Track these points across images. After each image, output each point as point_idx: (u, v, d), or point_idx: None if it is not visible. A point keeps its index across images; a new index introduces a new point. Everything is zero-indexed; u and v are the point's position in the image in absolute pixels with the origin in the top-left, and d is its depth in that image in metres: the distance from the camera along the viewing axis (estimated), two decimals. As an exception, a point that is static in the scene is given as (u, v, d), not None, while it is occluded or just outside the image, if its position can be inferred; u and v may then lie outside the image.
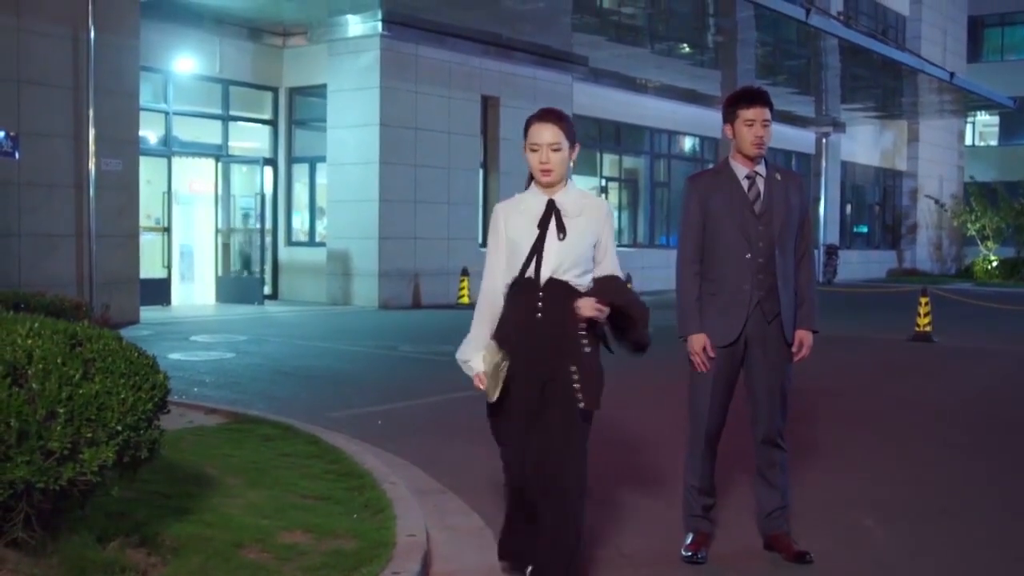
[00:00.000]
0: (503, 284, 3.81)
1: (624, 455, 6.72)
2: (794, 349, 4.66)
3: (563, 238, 3.72)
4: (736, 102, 4.60)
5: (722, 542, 4.85)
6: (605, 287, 3.75)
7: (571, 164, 3.84)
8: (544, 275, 3.71)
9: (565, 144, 3.76)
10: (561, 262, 3.71)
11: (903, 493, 6.01)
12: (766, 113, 4.55)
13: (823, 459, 6.65)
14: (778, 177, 4.66)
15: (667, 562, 4.62)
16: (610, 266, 3.86)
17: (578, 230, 3.74)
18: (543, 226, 3.74)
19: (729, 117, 4.60)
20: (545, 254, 3.71)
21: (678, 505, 4.88)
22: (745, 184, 4.61)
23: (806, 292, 4.69)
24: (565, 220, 3.74)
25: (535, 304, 3.72)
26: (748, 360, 4.64)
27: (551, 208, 3.76)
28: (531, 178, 3.83)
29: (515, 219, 3.81)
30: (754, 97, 4.58)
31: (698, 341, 4.58)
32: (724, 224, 4.59)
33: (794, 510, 4.93)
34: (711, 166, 5.03)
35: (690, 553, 4.61)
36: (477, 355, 3.81)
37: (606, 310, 3.68)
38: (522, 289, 3.75)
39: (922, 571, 4.68)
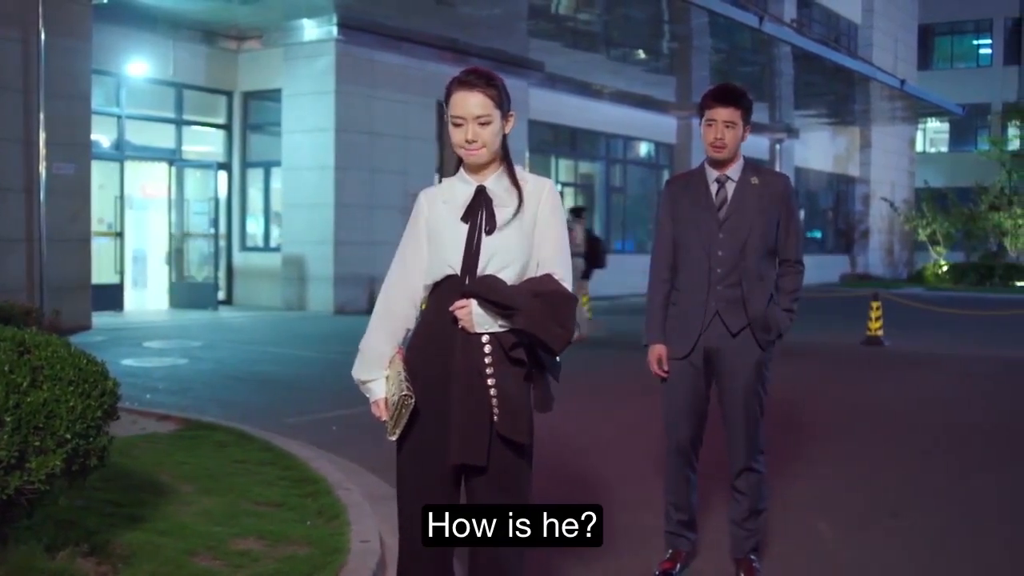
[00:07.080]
0: (421, 285, 3.12)
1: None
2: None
3: (490, 232, 3.03)
4: (703, 100, 4.29)
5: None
6: (484, 281, 3.00)
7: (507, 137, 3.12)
8: (468, 277, 3.03)
9: (496, 114, 3.04)
10: (488, 261, 3.01)
11: (854, 496, 6.09)
12: (728, 114, 4.19)
13: (774, 463, 6.70)
14: (754, 181, 4.32)
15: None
16: (553, 261, 3.09)
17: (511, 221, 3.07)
18: (469, 218, 3.05)
19: (700, 116, 4.32)
20: (471, 251, 3.03)
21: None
22: (714, 188, 4.33)
23: (783, 304, 4.38)
24: (496, 210, 3.05)
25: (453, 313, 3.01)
26: (716, 375, 4.40)
27: (480, 196, 3.06)
28: (460, 160, 3.12)
29: (438, 208, 3.11)
30: (717, 96, 4.25)
31: (653, 352, 4.42)
32: (688, 231, 4.34)
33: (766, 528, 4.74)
34: (691, 168, 4.69)
35: (657, 572, 4.45)
36: (378, 376, 3.15)
37: (467, 305, 2.97)
38: (442, 293, 3.07)
39: (871, 574, 4.74)
